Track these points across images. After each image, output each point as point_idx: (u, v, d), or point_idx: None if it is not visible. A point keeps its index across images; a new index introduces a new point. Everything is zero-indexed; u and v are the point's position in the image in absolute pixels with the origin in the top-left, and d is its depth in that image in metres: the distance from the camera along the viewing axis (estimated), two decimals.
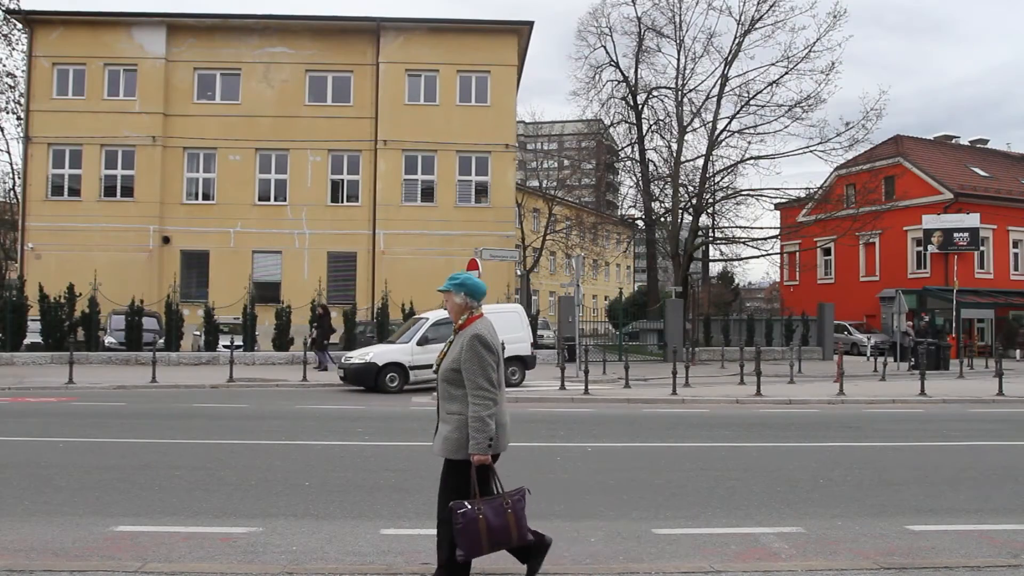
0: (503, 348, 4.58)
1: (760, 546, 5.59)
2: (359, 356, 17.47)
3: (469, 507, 4.11)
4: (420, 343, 17.02)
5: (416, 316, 19.86)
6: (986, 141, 43.30)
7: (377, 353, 17.28)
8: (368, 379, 16.77)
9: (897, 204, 32.06)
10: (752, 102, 29.38)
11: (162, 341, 22.93)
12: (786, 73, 28.67)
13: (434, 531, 5.89)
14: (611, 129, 35.36)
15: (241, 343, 22.97)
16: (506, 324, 17.14)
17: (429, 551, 5.35)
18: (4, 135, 48.68)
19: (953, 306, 28.41)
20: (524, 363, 17.99)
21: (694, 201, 30.68)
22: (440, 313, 18.52)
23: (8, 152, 53.19)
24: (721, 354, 25.96)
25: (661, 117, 32.32)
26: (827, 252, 37.93)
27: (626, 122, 33.74)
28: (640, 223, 37.93)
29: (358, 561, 5.08)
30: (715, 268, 50.86)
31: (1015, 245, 36.38)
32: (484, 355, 4.20)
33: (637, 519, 6.30)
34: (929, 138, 40.65)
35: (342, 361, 17.78)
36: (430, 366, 16.72)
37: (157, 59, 27.95)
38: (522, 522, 4.23)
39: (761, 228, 44.48)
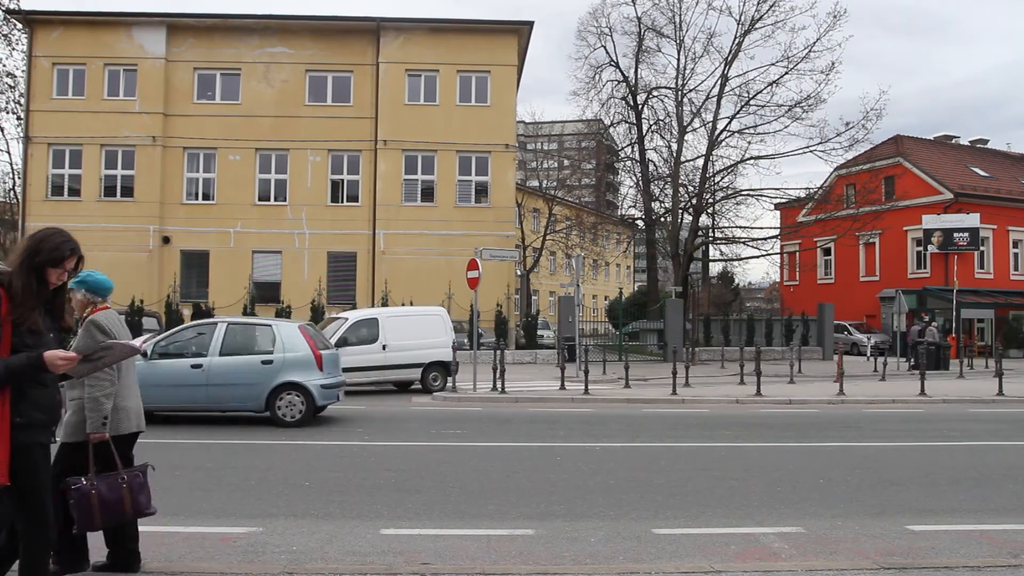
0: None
1: (760, 546, 5.59)
2: None
3: (84, 483, 4.26)
4: (338, 345, 15.61)
5: (333, 316, 18.69)
6: (986, 141, 43.24)
7: None
8: None
9: (897, 204, 32.04)
10: (752, 102, 29.40)
11: None
12: (786, 73, 28.69)
13: (435, 531, 5.94)
14: (611, 129, 35.33)
15: None
16: (428, 328, 16.85)
17: (429, 551, 5.36)
18: (4, 135, 48.53)
19: (953, 306, 28.41)
20: (446, 368, 16.73)
21: (694, 201, 30.67)
22: (362, 313, 17.77)
23: (8, 152, 53.07)
24: (721, 354, 25.93)
25: (661, 117, 32.32)
26: (827, 252, 37.91)
27: (626, 122, 33.70)
28: (640, 223, 37.88)
29: (358, 561, 5.08)
30: (715, 268, 50.87)
31: (1015, 245, 36.37)
32: (99, 337, 4.43)
33: (637, 519, 6.30)
34: (929, 138, 40.60)
35: None
36: (349, 369, 15.93)
37: (157, 59, 27.94)
38: (140, 496, 4.41)
39: (761, 228, 44.45)
